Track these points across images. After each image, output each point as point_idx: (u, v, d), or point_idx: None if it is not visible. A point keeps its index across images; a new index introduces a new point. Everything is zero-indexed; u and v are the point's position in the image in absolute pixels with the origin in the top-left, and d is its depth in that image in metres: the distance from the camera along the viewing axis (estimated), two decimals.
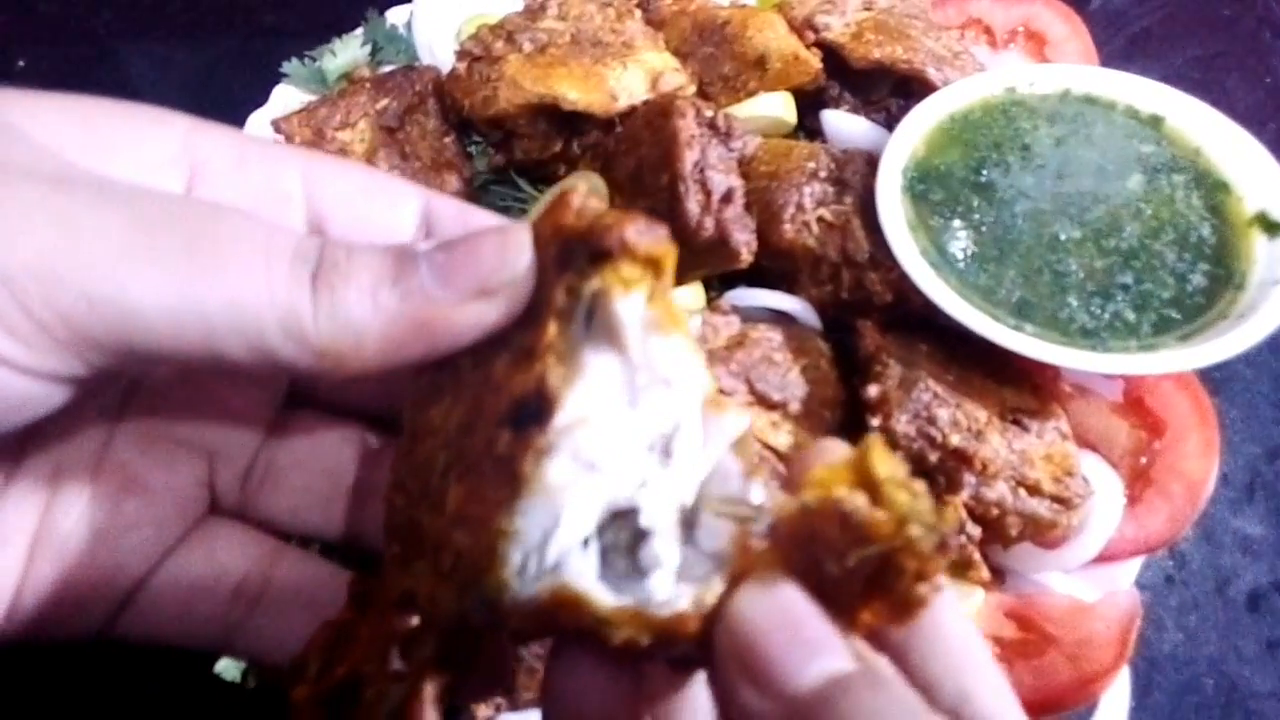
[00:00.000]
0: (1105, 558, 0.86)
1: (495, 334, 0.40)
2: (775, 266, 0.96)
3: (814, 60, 1.05)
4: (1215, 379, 1.02)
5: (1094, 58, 1.16)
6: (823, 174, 0.96)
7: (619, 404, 0.38)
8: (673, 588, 0.37)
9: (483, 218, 0.49)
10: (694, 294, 0.95)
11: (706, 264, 0.94)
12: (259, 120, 1.10)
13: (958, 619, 0.41)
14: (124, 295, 0.37)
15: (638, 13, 1.10)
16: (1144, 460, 0.90)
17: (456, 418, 0.40)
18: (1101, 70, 1.02)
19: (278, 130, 1.05)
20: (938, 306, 0.85)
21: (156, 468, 0.50)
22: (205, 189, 0.46)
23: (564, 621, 0.37)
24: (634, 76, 1.02)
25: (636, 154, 0.96)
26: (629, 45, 1.04)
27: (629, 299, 0.38)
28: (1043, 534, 0.82)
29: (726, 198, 0.92)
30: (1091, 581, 0.87)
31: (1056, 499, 0.82)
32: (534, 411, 0.36)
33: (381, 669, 0.39)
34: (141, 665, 0.84)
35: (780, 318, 0.95)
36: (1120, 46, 1.34)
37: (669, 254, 0.38)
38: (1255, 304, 0.85)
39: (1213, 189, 0.93)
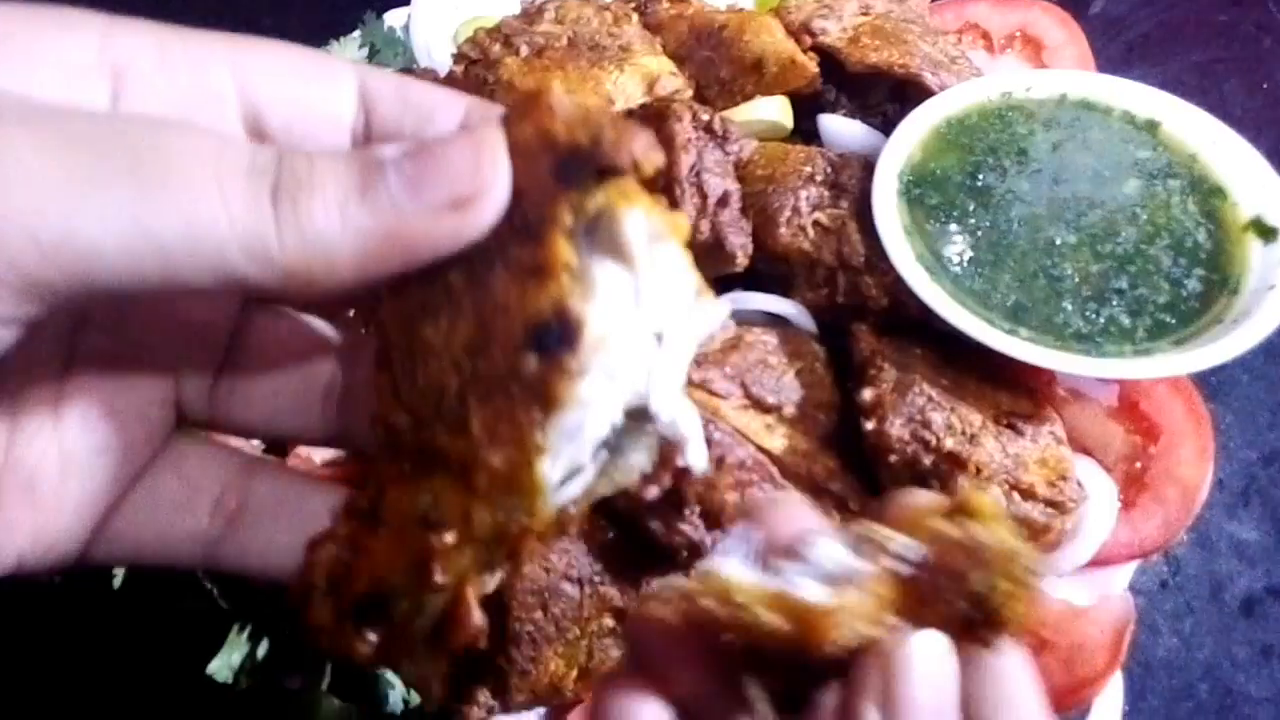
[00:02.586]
0: (1099, 562, 0.86)
1: (479, 244, 0.39)
2: (771, 270, 0.96)
3: (811, 64, 1.05)
4: (1211, 384, 1.02)
5: (1091, 63, 1.16)
6: (819, 178, 0.96)
7: (629, 313, 0.39)
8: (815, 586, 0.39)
9: (422, 91, 0.47)
10: None
11: (702, 267, 0.92)
12: None
13: (1022, 672, 0.42)
14: (73, 233, 0.35)
15: (635, 16, 1.11)
16: (1139, 465, 0.90)
17: (461, 338, 0.39)
18: (1098, 75, 1.03)
19: None
20: (933, 311, 0.85)
21: (119, 389, 0.48)
22: (132, 95, 0.43)
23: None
24: (631, 80, 1.03)
25: None
26: (626, 49, 1.05)
27: (634, 214, 0.38)
28: (1037, 538, 0.82)
29: (722, 201, 0.92)
30: (1085, 586, 0.87)
31: (1050, 503, 0.82)
32: (559, 334, 0.37)
33: (417, 581, 0.40)
34: (133, 666, 0.85)
35: (776, 321, 0.95)
36: (1119, 52, 1.35)
37: (659, 165, 0.39)
38: (1250, 309, 0.85)
39: (1208, 194, 0.94)
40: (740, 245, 0.92)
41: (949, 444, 0.82)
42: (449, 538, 0.39)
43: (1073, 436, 0.90)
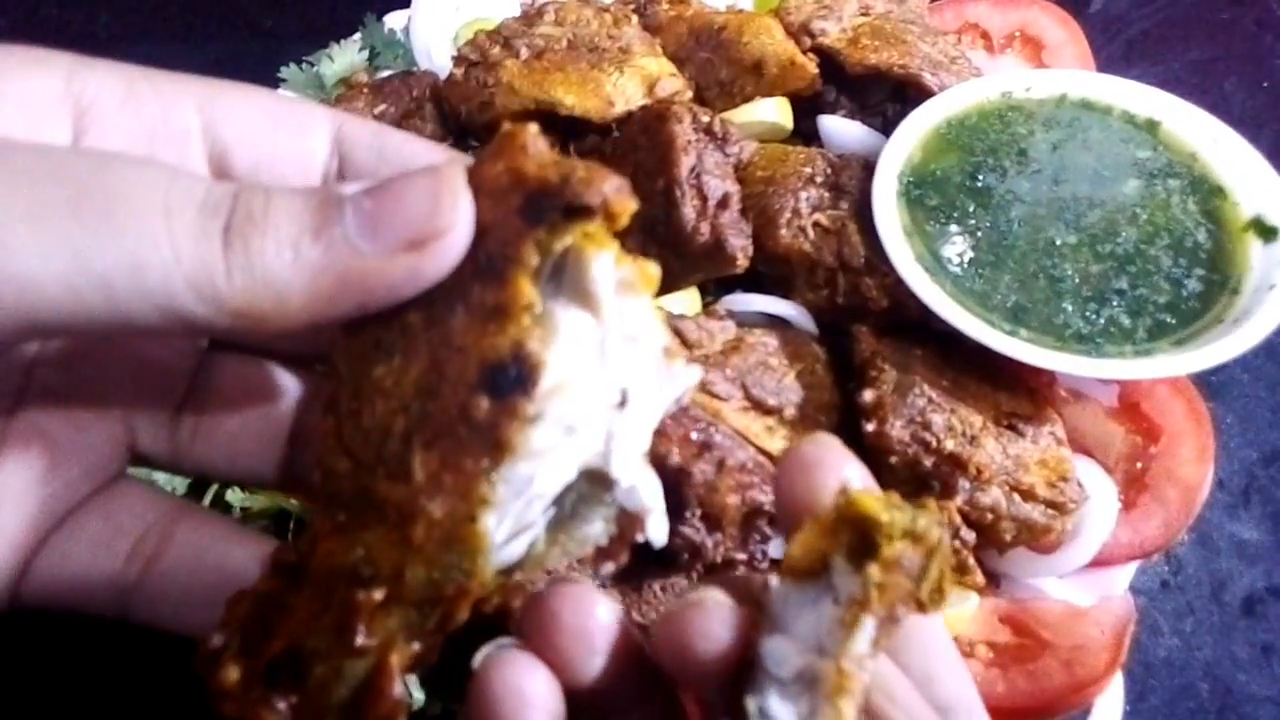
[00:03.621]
0: (1100, 563, 0.86)
1: (441, 285, 0.37)
2: (771, 271, 0.96)
3: (810, 65, 1.05)
4: (1212, 384, 1.02)
5: (1090, 62, 1.16)
6: (819, 179, 0.96)
7: (592, 363, 0.37)
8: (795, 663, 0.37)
9: (399, 141, 0.46)
10: (690, 299, 0.96)
11: (702, 269, 0.94)
12: None
13: (939, 626, 0.42)
14: (15, 265, 0.34)
15: (635, 18, 1.11)
16: (1139, 465, 0.90)
17: (412, 379, 0.37)
18: (1098, 75, 1.03)
19: None
20: (933, 311, 0.86)
21: (66, 425, 0.47)
22: (95, 132, 0.42)
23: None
24: (631, 82, 1.03)
25: (633, 159, 0.96)
26: (626, 51, 1.05)
27: (602, 258, 0.37)
28: (1037, 539, 0.83)
29: (722, 203, 0.92)
30: (1086, 586, 0.87)
31: (1051, 504, 0.82)
32: (516, 376, 0.35)
33: (338, 644, 0.37)
34: (132, 666, 0.85)
35: (776, 322, 0.95)
36: (1119, 50, 1.35)
37: (631, 212, 0.37)
38: (1250, 309, 0.85)
39: (1208, 194, 0.94)
40: (740, 247, 0.92)
41: (949, 445, 0.82)
42: (377, 595, 0.36)
43: (1073, 437, 0.90)
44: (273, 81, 1.15)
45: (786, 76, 1.05)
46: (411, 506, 0.36)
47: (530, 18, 1.07)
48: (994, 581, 0.88)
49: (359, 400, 0.38)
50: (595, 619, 0.39)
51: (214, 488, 0.88)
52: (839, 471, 0.39)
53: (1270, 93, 1.28)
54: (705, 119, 0.95)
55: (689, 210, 0.91)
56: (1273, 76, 1.30)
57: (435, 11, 1.17)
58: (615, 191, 0.36)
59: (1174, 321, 0.87)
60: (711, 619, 0.38)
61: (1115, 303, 0.87)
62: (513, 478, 0.35)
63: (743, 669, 0.38)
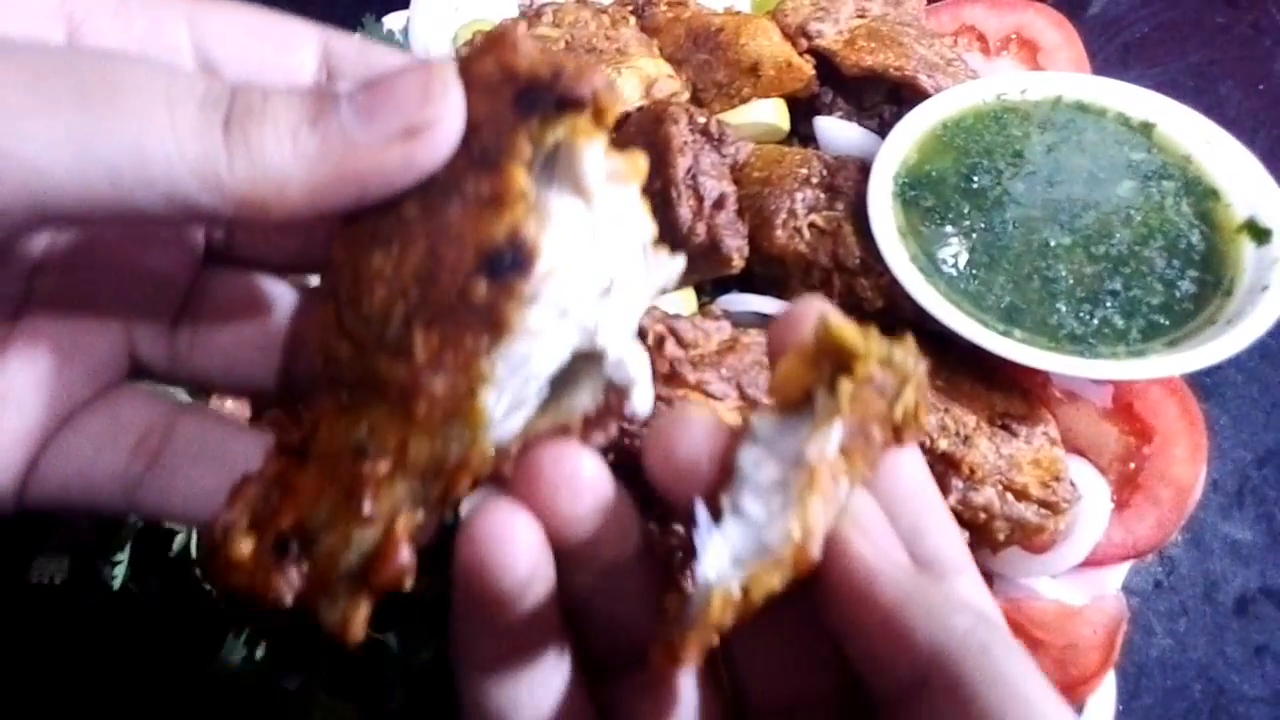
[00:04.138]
0: (1093, 562, 0.87)
1: (437, 178, 0.39)
2: (767, 272, 0.97)
3: (807, 67, 1.06)
4: (1206, 385, 1.03)
5: (1086, 65, 1.16)
6: (815, 180, 0.96)
7: (583, 247, 0.39)
8: (763, 523, 0.38)
9: (385, 54, 0.48)
10: (686, 299, 0.96)
11: (698, 269, 0.94)
12: None
13: (916, 468, 0.43)
14: (22, 150, 0.35)
15: (632, 20, 1.11)
16: (1132, 465, 0.91)
17: (411, 266, 0.39)
18: (1093, 78, 1.03)
19: None
20: (927, 312, 0.86)
21: (69, 331, 0.48)
22: (89, 44, 0.43)
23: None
24: (628, 83, 1.03)
25: None
26: (623, 52, 1.05)
27: (593, 148, 0.38)
28: (1030, 538, 0.83)
29: (719, 204, 0.93)
30: (1079, 586, 0.87)
31: (1044, 503, 0.82)
32: (512, 260, 0.37)
33: (345, 514, 0.39)
34: (133, 666, 0.85)
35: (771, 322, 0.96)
36: (1115, 53, 1.35)
37: (618, 109, 0.39)
38: (1243, 310, 0.85)
39: (1202, 196, 0.94)
40: (736, 247, 0.92)
41: (943, 445, 0.82)
42: (382, 467, 0.38)
43: (1067, 437, 0.90)
44: None
45: (783, 78, 1.05)
46: (414, 384, 0.37)
47: (529, 18, 1.07)
48: (987, 580, 0.88)
49: (358, 287, 0.40)
50: (579, 471, 0.39)
51: None
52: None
53: (1266, 96, 1.29)
54: (702, 120, 0.96)
55: (685, 211, 0.91)
56: (1269, 80, 1.30)
57: (434, 12, 1.18)
58: (604, 86, 0.38)
59: (1167, 323, 0.87)
60: (695, 428, 0.40)
61: (1109, 304, 0.88)
62: (510, 356, 0.37)
63: (724, 479, 0.39)
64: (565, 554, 0.40)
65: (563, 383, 0.41)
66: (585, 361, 0.41)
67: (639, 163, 0.40)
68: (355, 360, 0.40)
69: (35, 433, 0.47)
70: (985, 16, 1.19)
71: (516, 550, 0.38)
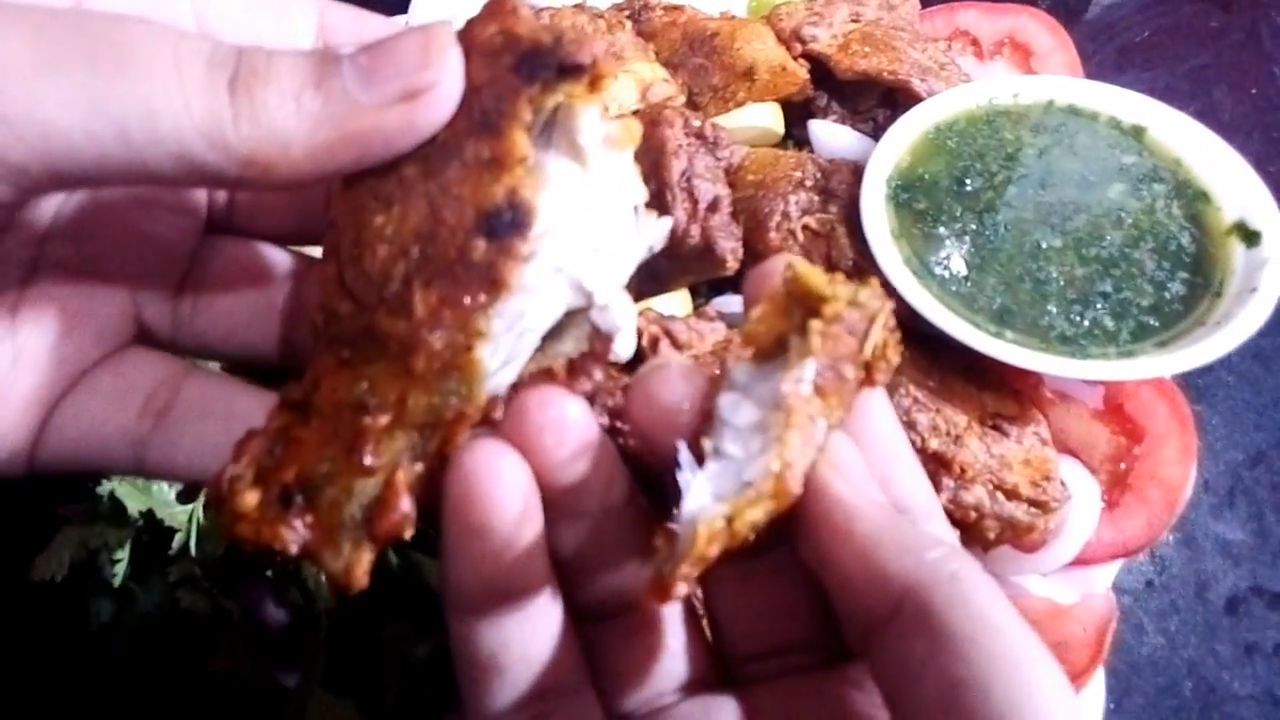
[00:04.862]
0: (1083, 561, 0.87)
1: (437, 141, 0.40)
2: None
3: (801, 71, 1.07)
4: (1198, 386, 1.03)
5: (1079, 69, 1.17)
6: (809, 183, 0.97)
7: (578, 210, 0.41)
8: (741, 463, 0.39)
9: (381, 23, 0.50)
10: (681, 300, 0.97)
11: (693, 271, 0.95)
12: None
13: (885, 416, 0.45)
14: (38, 111, 0.36)
15: (629, 24, 1.12)
16: (1123, 465, 0.91)
17: (412, 226, 0.40)
18: (1085, 82, 1.04)
19: None
20: (919, 313, 0.87)
21: (77, 296, 0.50)
22: (93, 6, 0.45)
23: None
24: (624, 87, 1.04)
25: None
26: (620, 56, 1.06)
27: (590, 113, 0.40)
28: (1020, 537, 0.84)
29: (713, 206, 0.94)
30: (1069, 584, 0.88)
31: (1034, 503, 0.83)
32: (511, 220, 0.39)
33: (347, 466, 0.40)
34: (133, 663, 0.86)
35: None
36: (1110, 57, 1.36)
37: (615, 75, 0.42)
38: (1232, 311, 0.86)
39: (1193, 199, 0.95)
40: (730, 249, 0.93)
41: (934, 444, 0.83)
42: (382, 420, 0.40)
43: (1058, 438, 0.91)
44: None
45: (778, 82, 1.06)
46: (413, 339, 0.39)
47: None
48: None
49: (359, 247, 0.41)
50: (564, 414, 0.40)
51: None
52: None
53: (1258, 100, 1.29)
54: (697, 123, 0.97)
55: (680, 213, 0.92)
56: (1261, 84, 1.31)
57: (432, 15, 1.19)
58: (603, 53, 0.39)
59: (1157, 324, 0.88)
60: (674, 375, 0.41)
61: (1099, 305, 0.88)
62: (506, 312, 0.39)
63: (705, 425, 0.40)
64: (553, 499, 0.41)
65: (551, 332, 0.43)
66: (573, 312, 0.43)
67: (633, 128, 0.42)
68: (356, 317, 0.41)
69: (46, 394, 0.48)
70: (979, 21, 1.20)
71: (505, 485, 0.39)
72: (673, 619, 0.46)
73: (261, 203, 0.54)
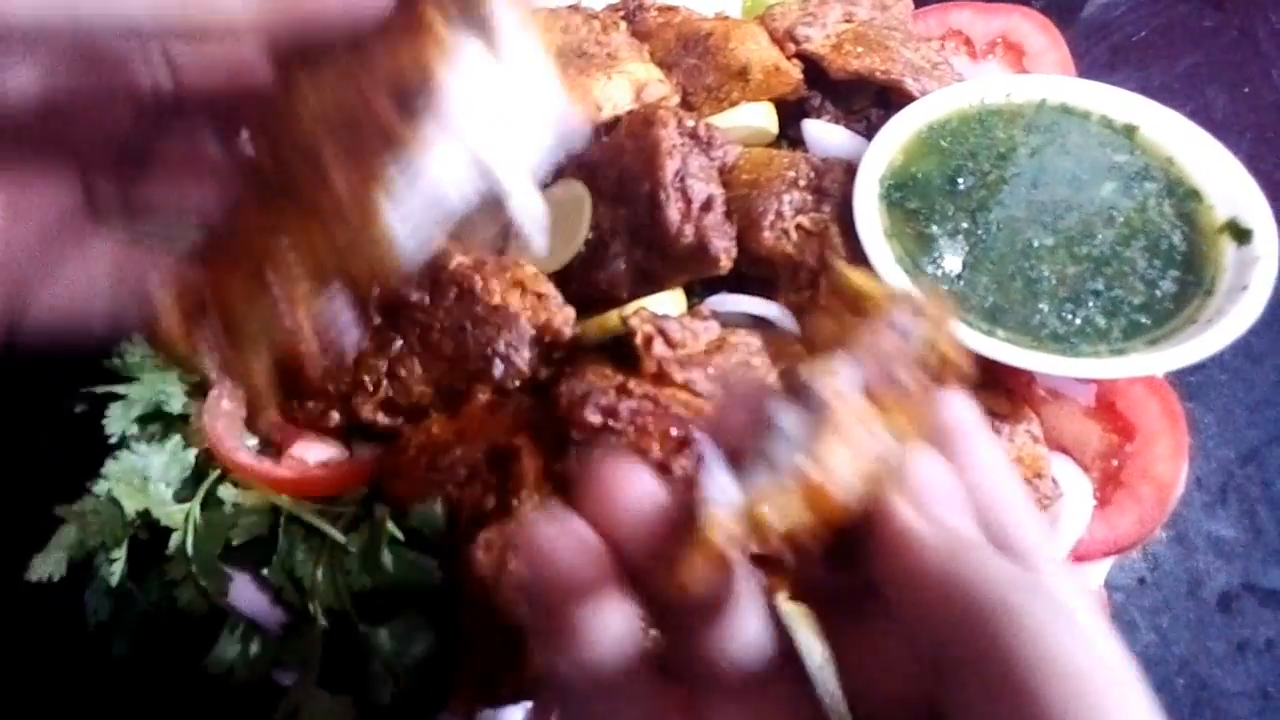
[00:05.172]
0: (1075, 558, 0.88)
1: (373, 34, 0.45)
2: (755, 273, 0.98)
3: (795, 71, 1.07)
4: (1190, 384, 1.04)
5: (1071, 69, 1.18)
6: (802, 182, 0.98)
7: (489, 88, 0.45)
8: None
9: None
10: (675, 299, 0.97)
11: (687, 270, 0.96)
12: None
13: (991, 457, 0.40)
14: None
15: (623, 24, 1.13)
16: (1115, 463, 0.92)
17: (336, 100, 0.45)
18: (1077, 80, 1.05)
19: None
20: None
21: (26, 181, 0.52)
22: None
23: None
24: (618, 87, 1.04)
25: (619, 163, 0.98)
26: (614, 56, 1.07)
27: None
28: None
29: (706, 206, 0.94)
30: None
31: None
32: (421, 91, 0.43)
33: (259, 294, 0.47)
34: (130, 661, 0.86)
35: (759, 323, 0.97)
36: (1103, 56, 1.36)
37: None
38: (1224, 309, 0.86)
39: (1184, 197, 0.95)
40: (724, 248, 0.94)
41: None
42: (291, 255, 0.46)
43: (1051, 435, 0.91)
44: None
45: (771, 82, 1.07)
46: (329, 199, 0.44)
47: None
48: None
49: (290, 116, 0.46)
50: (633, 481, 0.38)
51: (208, 482, 0.89)
52: None
53: (1251, 99, 1.30)
54: (691, 123, 0.97)
55: (673, 213, 0.92)
56: (1254, 83, 1.31)
57: None
58: None
59: (1148, 322, 0.88)
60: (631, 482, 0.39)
61: (1091, 303, 0.89)
62: (405, 167, 0.44)
63: (759, 432, 0.38)
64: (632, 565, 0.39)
65: (469, 221, 0.48)
66: (491, 204, 0.48)
67: (536, 14, 0.47)
68: (280, 177, 0.47)
69: (15, 270, 0.51)
70: (971, 21, 1.21)
71: (580, 543, 0.37)
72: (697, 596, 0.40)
73: (208, 84, 0.56)
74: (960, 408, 0.41)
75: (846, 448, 0.36)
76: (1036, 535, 0.39)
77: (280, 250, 0.46)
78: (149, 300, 0.48)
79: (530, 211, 0.47)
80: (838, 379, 0.37)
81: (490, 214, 0.48)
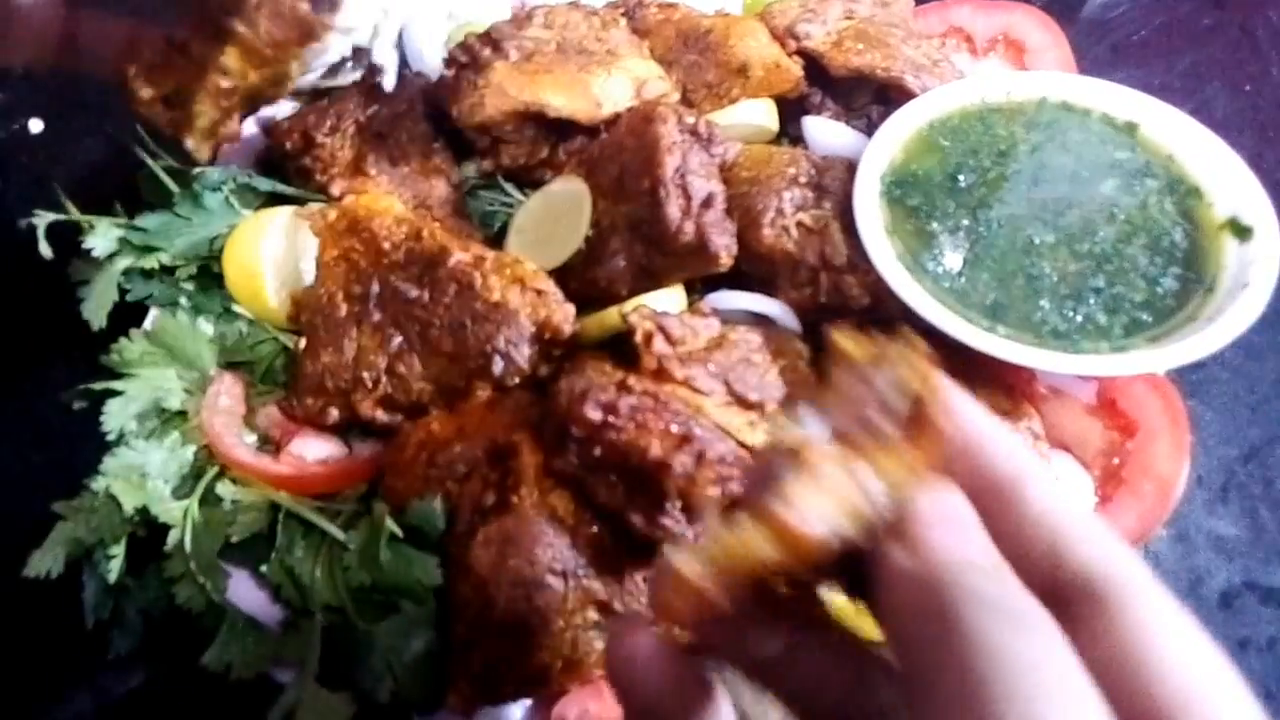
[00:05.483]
0: None
1: None
2: (755, 270, 0.98)
3: (795, 68, 1.07)
4: (1191, 381, 1.03)
5: (1072, 66, 1.18)
6: (803, 179, 0.98)
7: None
8: None
9: None
10: (675, 296, 0.97)
11: (687, 267, 0.95)
12: (249, 125, 1.12)
13: (1042, 489, 0.41)
14: None
15: (623, 21, 1.12)
16: (1116, 460, 0.92)
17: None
18: (1078, 77, 1.04)
19: (267, 134, 1.08)
20: (913, 310, 0.87)
21: None
22: None
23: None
24: (619, 84, 1.04)
25: (620, 160, 0.97)
26: (614, 53, 1.06)
27: None
28: None
29: (707, 203, 0.94)
30: None
31: None
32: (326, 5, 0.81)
33: (204, 83, 0.85)
34: (129, 658, 0.86)
35: (760, 320, 0.97)
36: (1104, 54, 1.36)
37: None
38: (1224, 307, 0.86)
39: (1185, 194, 0.95)
40: (724, 246, 0.93)
41: None
42: (231, 67, 0.85)
43: (1052, 433, 0.91)
44: None
45: (772, 79, 1.07)
46: (257, 47, 0.84)
47: (520, 20, 1.08)
48: None
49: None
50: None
51: (206, 479, 0.89)
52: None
53: (1252, 96, 1.30)
54: (691, 120, 0.97)
55: (674, 210, 0.92)
56: (1255, 81, 1.31)
57: (428, 14, 1.19)
58: None
59: (1149, 319, 0.88)
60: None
61: (1092, 301, 0.89)
62: (312, 51, 0.84)
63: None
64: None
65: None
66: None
67: None
68: (227, 26, 0.84)
69: None
70: (972, 18, 1.21)
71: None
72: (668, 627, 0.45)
73: None
74: (1010, 450, 0.42)
75: (816, 486, 0.38)
76: (1102, 564, 0.39)
77: (221, 67, 0.83)
78: (124, 70, 0.74)
79: (387, 64, 0.83)
80: (812, 428, 0.41)
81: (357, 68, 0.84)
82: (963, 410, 0.43)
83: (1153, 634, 0.36)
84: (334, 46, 0.84)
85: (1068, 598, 0.38)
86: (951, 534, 0.38)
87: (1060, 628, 0.35)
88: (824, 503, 0.38)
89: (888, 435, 0.40)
